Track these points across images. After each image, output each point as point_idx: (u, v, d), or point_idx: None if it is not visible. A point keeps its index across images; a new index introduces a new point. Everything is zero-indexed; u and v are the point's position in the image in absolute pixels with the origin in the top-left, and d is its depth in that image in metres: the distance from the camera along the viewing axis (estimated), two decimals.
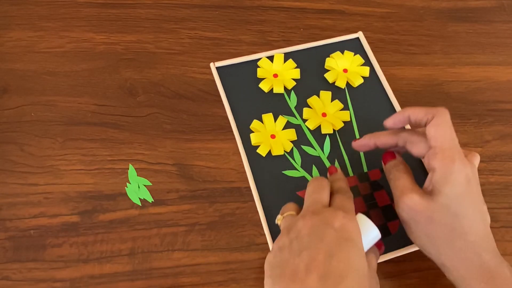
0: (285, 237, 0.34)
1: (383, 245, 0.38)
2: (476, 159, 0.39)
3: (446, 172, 0.35)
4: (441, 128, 0.36)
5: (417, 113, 0.38)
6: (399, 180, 0.38)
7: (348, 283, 0.31)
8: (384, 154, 0.41)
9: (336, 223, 0.33)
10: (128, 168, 0.44)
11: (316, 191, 0.37)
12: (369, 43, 0.53)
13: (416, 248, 0.40)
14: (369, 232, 0.35)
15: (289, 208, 0.38)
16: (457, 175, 0.35)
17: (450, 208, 0.35)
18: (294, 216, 0.36)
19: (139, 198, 0.43)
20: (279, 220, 0.37)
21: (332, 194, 0.37)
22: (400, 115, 0.39)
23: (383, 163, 0.41)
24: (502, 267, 0.35)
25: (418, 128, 0.40)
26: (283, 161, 0.45)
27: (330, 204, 0.36)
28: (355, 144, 0.42)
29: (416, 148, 0.38)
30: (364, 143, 0.42)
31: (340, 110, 0.48)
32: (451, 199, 0.35)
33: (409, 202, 0.36)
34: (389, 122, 0.40)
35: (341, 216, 0.33)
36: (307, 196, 0.37)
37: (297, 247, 0.33)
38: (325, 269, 0.31)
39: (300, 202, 0.42)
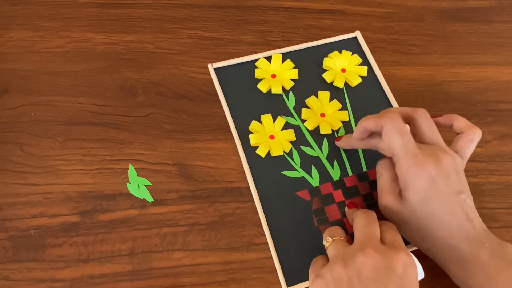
0: (341, 268, 0.33)
1: None
2: (473, 139, 0.39)
3: (406, 180, 0.36)
4: (390, 137, 0.37)
5: (369, 124, 0.39)
6: (381, 178, 0.40)
7: None
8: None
9: (399, 268, 0.33)
10: (128, 168, 0.44)
11: (369, 224, 0.36)
12: (369, 43, 0.53)
13: (415, 248, 0.40)
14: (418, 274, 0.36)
15: (337, 233, 0.37)
16: (416, 181, 0.36)
17: (416, 213, 0.36)
18: (346, 243, 0.36)
19: (139, 198, 0.43)
20: (328, 242, 0.37)
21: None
22: (358, 129, 0.40)
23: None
24: (478, 252, 0.35)
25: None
26: (282, 161, 0.45)
27: (381, 239, 0.36)
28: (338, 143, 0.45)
29: (385, 153, 0.39)
30: (341, 145, 0.45)
31: (339, 110, 0.48)
32: (416, 204, 0.36)
33: (383, 203, 0.38)
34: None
35: (403, 259, 0.33)
36: (359, 229, 0.36)
37: None
38: None
39: (300, 203, 0.43)
